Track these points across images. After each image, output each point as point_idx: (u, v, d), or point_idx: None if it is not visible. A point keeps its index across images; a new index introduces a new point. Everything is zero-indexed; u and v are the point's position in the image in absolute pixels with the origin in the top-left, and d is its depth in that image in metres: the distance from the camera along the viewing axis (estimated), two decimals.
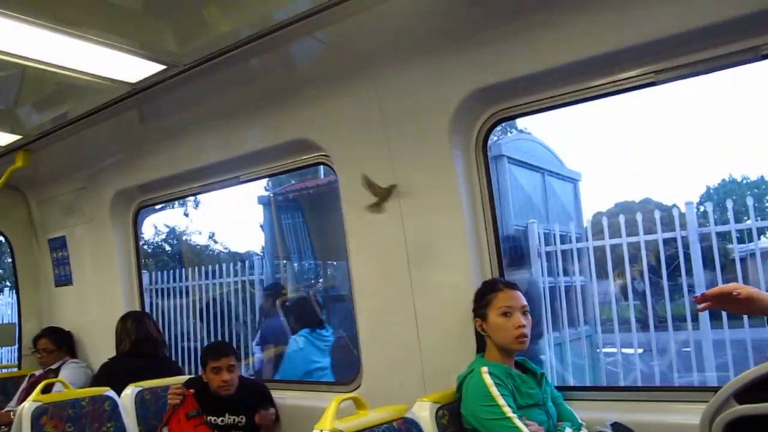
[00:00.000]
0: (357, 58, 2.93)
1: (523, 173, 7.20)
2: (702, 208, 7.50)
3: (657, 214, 6.30)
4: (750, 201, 5.95)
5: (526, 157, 7.19)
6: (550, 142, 8.08)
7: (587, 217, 7.88)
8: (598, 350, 7.01)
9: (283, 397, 3.59)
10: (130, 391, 3.42)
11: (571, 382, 6.93)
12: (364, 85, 3.02)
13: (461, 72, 2.75)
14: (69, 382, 3.57)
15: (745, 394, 1.82)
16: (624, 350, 6.70)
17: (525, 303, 2.53)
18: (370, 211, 3.03)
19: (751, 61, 2.33)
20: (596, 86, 2.63)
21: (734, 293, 1.91)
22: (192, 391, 3.26)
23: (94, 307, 4.72)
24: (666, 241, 6.32)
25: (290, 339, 5.48)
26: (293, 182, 9.21)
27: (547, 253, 6.89)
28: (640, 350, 6.63)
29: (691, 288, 6.24)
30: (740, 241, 6.19)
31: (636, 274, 6.62)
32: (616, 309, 6.61)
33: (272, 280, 8.97)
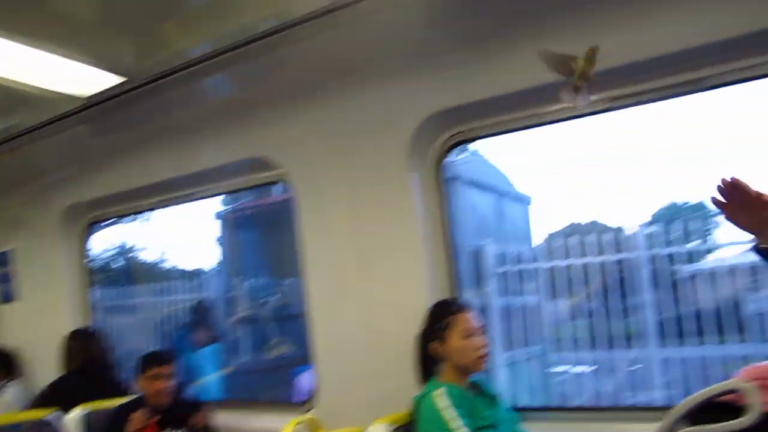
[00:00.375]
0: (316, 78, 2.94)
1: (477, 194, 7.29)
2: (648, 231, 7.75)
3: (606, 236, 6.48)
4: (698, 224, 6.21)
5: (479, 179, 7.27)
6: (501, 165, 8.25)
7: (539, 238, 8.04)
8: (549, 369, 7.09)
9: (225, 416, 3.45)
10: (77, 413, 3.26)
11: (524, 403, 6.99)
12: (324, 105, 3.02)
13: (421, 94, 2.77)
14: (11, 405, 3.43)
15: (697, 415, 1.85)
16: (575, 369, 6.81)
17: (482, 323, 2.54)
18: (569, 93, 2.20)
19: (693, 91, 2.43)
20: (552, 111, 2.67)
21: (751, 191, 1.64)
22: (157, 418, 3.14)
23: (41, 325, 4.54)
24: (615, 263, 6.50)
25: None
26: (251, 199, 9.14)
27: (501, 274, 6.97)
28: (589, 368, 6.75)
29: (639, 308, 6.42)
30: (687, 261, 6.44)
31: (587, 295, 6.75)
32: (567, 328, 6.73)
33: (225, 298, 8.87)
